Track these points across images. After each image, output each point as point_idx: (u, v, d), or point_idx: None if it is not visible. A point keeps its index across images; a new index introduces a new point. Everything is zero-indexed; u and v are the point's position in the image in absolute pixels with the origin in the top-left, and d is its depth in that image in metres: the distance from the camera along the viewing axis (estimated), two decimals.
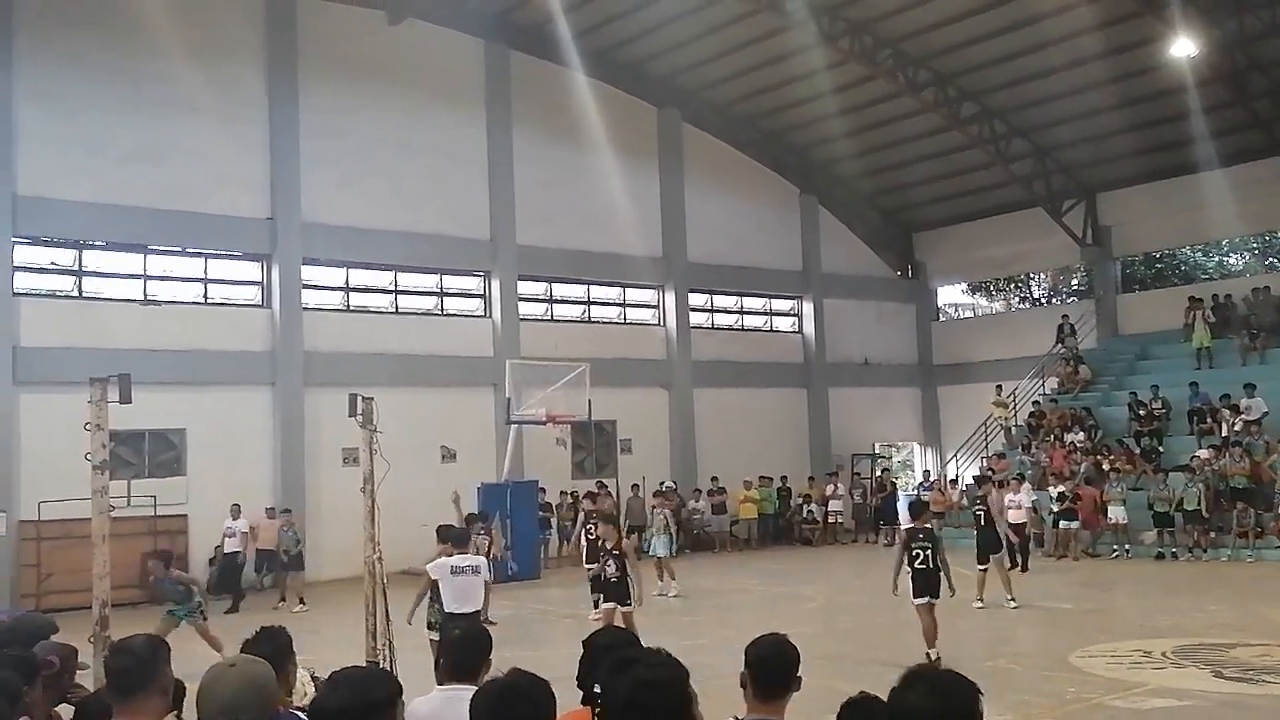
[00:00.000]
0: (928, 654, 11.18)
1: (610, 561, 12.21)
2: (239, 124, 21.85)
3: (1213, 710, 9.29)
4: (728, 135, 29.17)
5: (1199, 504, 19.97)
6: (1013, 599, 15.32)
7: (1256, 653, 11.33)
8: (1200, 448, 21.64)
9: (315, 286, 22.98)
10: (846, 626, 14.66)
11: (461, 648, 4.29)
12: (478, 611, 10.19)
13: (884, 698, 2.75)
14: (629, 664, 3.09)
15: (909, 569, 11.71)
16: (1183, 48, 21.46)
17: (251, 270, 22.48)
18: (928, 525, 12.29)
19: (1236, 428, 21.51)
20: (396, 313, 24.12)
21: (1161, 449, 22.79)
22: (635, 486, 24.82)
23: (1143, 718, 9.08)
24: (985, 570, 15.65)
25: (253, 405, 21.58)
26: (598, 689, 3.50)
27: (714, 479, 26.13)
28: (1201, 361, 24.94)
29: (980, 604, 15.28)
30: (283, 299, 22.02)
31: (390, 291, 24.23)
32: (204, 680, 2.99)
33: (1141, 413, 24.00)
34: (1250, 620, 13.61)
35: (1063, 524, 21.17)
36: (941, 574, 11.67)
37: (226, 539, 19.04)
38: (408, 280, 24.40)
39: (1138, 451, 22.80)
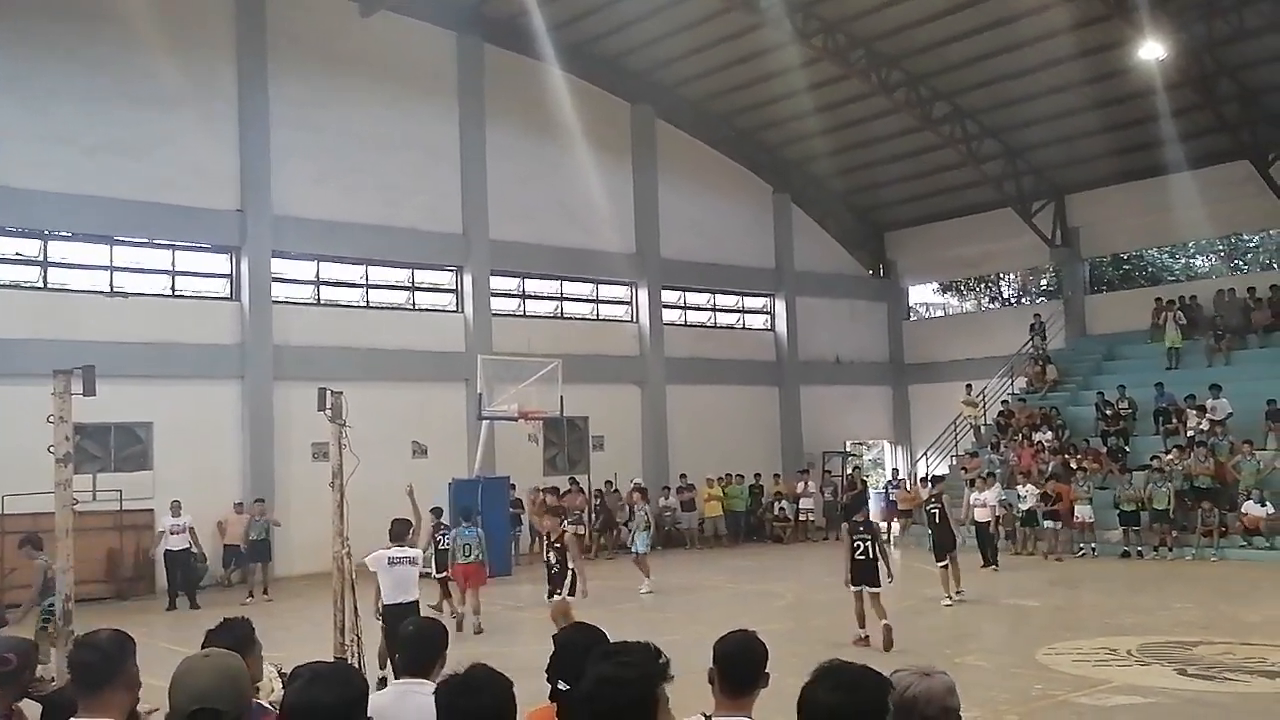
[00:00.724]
0: (859, 633, 12.34)
1: (550, 553, 12.63)
2: (209, 116, 21.62)
3: (1176, 707, 9.40)
4: (702, 132, 29.19)
5: (1168, 503, 20.22)
6: (958, 594, 15.59)
7: (1220, 650, 11.48)
8: (1165, 448, 21.91)
9: (285, 280, 22.79)
10: (817, 624, 14.70)
11: (416, 643, 4.23)
12: (415, 601, 10.27)
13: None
14: (602, 659, 3.06)
15: (850, 559, 12.54)
16: (1151, 51, 21.68)
17: (220, 263, 22.26)
18: (868, 519, 13.22)
19: (1203, 428, 21.78)
20: (368, 307, 23.96)
21: (1128, 449, 23.05)
22: (608, 483, 24.84)
23: (1108, 715, 9.17)
24: (945, 567, 15.78)
25: (221, 399, 21.38)
26: (562, 685, 3.49)
27: (683, 476, 26.16)
28: (1171, 362, 25.24)
29: (949, 602, 15.39)
30: (252, 292, 21.82)
31: (361, 285, 24.06)
32: (177, 671, 2.97)
33: (1108, 412, 24.27)
34: (1214, 618, 13.79)
35: (1047, 523, 21.25)
36: (880, 563, 12.45)
37: (172, 535, 18.10)
38: (379, 274, 24.24)
39: (1104, 451, 23.05)
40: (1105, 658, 11.43)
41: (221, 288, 22.22)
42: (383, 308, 24.15)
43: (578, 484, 24.62)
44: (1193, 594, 15.93)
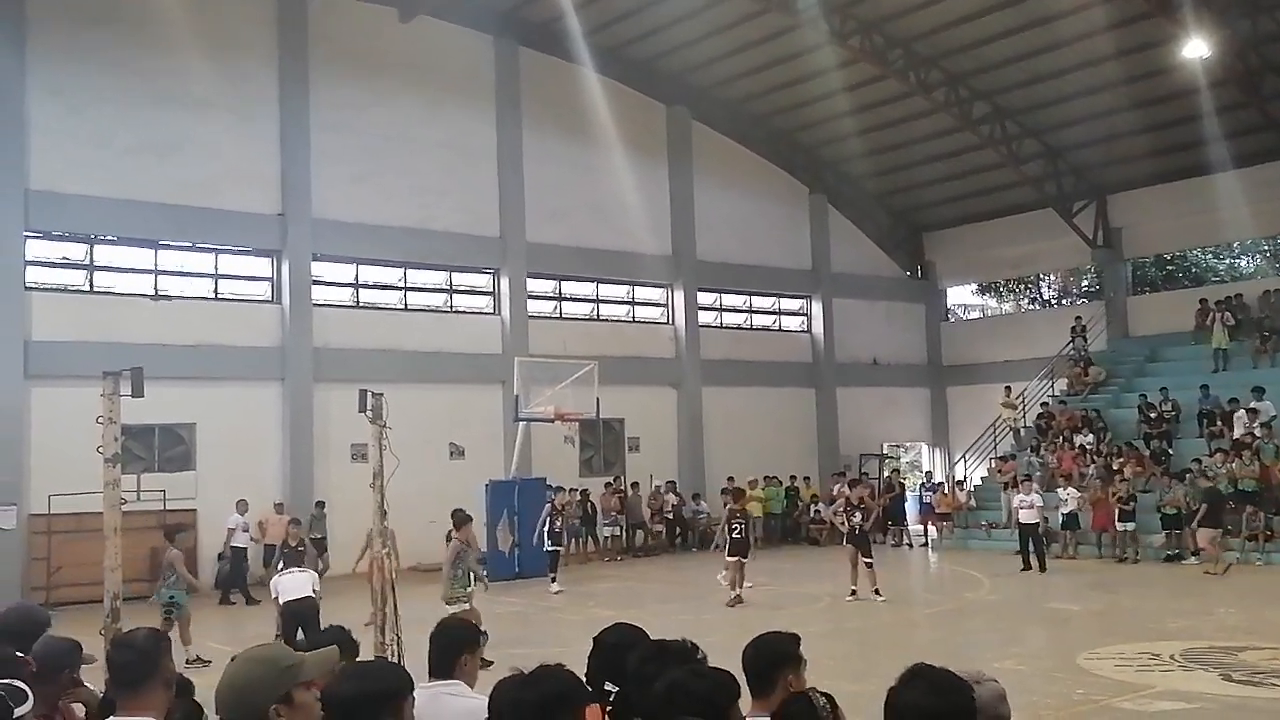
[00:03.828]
0: (737, 594, 16.14)
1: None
2: (250, 120, 21.90)
3: (1220, 713, 9.27)
4: (737, 133, 29.15)
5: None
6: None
7: (1265, 656, 11.28)
8: (1210, 450, 21.57)
9: (325, 282, 23.03)
10: (854, 625, 14.65)
11: (438, 643, 4.10)
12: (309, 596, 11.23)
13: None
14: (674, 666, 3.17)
15: (728, 537, 16.81)
16: (1195, 49, 21.37)
17: (262, 266, 22.54)
18: (744, 508, 17.78)
19: (1256, 431, 21.36)
20: (406, 309, 24.15)
21: (1171, 451, 22.71)
22: (635, 485, 24.97)
23: None
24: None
25: (262, 400, 21.64)
26: (610, 686, 3.50)
27: (730, 479, 26.08)
28: (1219, 363, 24.83)
29: (880, 597, 16.12)
30: (293, 295, 22.08)
31: (400, 288, 24.27)
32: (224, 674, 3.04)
33: (1151, 415, 23.93)
34: (1258, 624, 13.56)
35: (1121, 526, 20.66)
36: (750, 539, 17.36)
37: (241, 532, 19.23)
38: (417, 277, 24.43)
39: (1147, 454, 22.73)
40: (1148, 663, 11.28)
41: (263, 291, 22.50)
42: (421, 310, 24.34)
43: (612, 485, 24.66)
44: (1237, 599, 15.66)
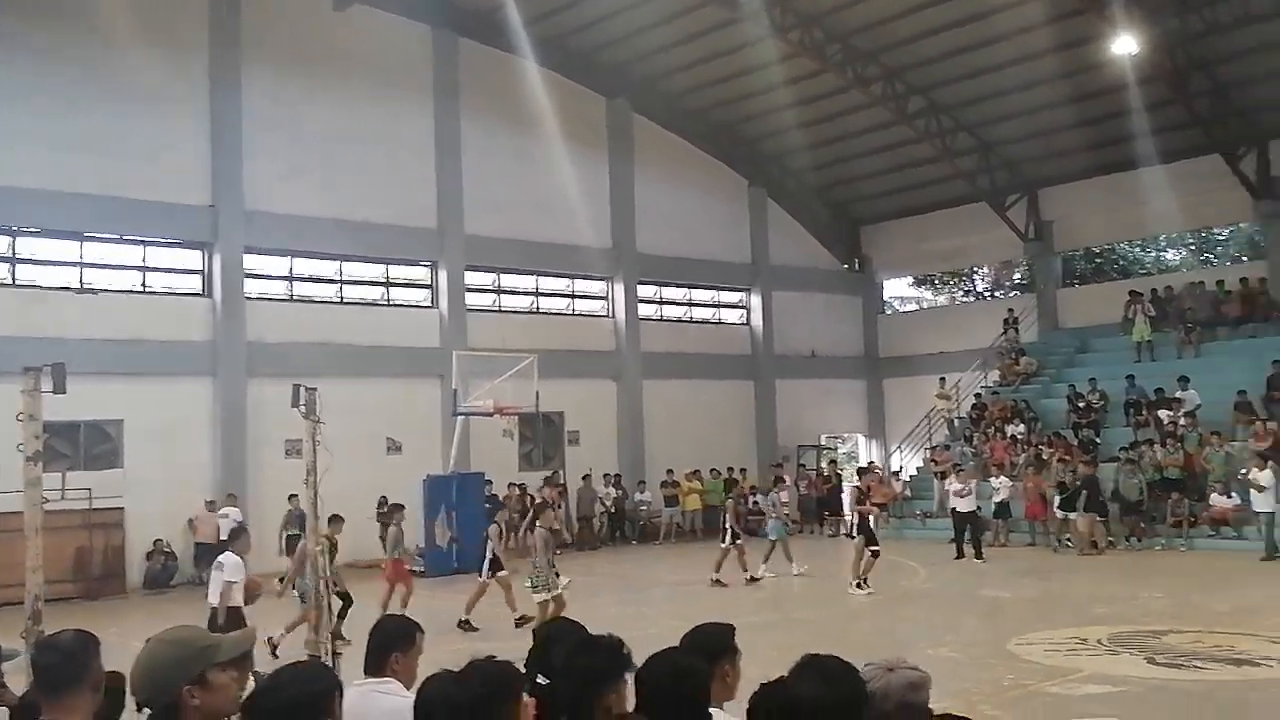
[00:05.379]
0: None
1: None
2: (180, 110, 21.44)
3: (1145, 695, 9.52)
4: (678, 127, 29.19)
5: (1139, 494, 20.45)
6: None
7: (1187, 639, 11.63)
8: (1135, 439, 22.15)
9: (258, 275, 22.63)
10: (797, 616, 14.80)
11: (371, 641, 4.09)
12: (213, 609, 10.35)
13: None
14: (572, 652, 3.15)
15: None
16: (1124, 45, 21.84)
17: (192, 258, 22.08)
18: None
19: (1180, 421, 21.96)
20: (342, 303, 23.84)
21: (1099, 440, 23.28)
22: (585, 477, 24.97)
23: (1078, 704, 9.27)
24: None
25: (193, 396, 21.21)
26: (541, 679, 3.49)
27: (669, 472, 26.20)
28: (1141, 354, 25.49)
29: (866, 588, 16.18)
30: (224, 288, 21.66)
31: (336, 281, 23.94)
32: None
33: (1080, 405, 24.49)
34: (1182, 608, 13.96)
35: (1066, 514, 20.66)
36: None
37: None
38: (354, 270, 24.11)
39: (1075, 443, 23.26)
40: (1076, 647, 11.55)
41: (194, 284, 22.04)
42: (357, 304, 24.04)
43: (551, 479, 24.60)
44: (1162, 584, 16.14)
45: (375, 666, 4.02)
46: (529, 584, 13.00)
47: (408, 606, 14.32)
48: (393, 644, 4.06)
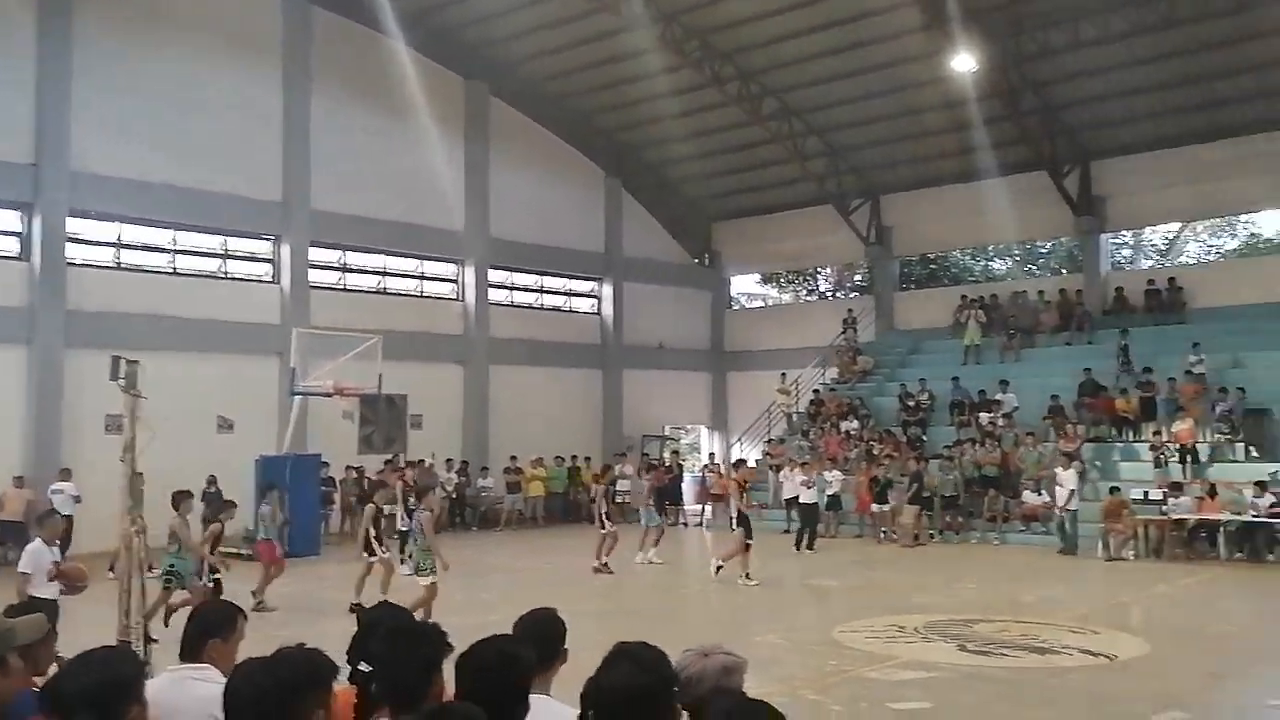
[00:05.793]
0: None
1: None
2: (2, 63, 19.98)
3: (955, 681, 10.08)
4: (536, 113, 29.01)
5: (955, 490, 21.61)
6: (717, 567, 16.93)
7: (996, 628, 12.37)
8: (958, 438, 23.36)
9: (83, 240, 21.37)
10: (632, 604, 14.98)
11: (188, 626, 3.98)
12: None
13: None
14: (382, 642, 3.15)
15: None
16: (964, 63, 22.93)
17: (9, 219, 20.66)
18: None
19: (999, 422, 23.27)
20: (175, 273, 22.75)
21: (925, 438, 24.44)
22: (422, 461, 24.53)
23: (894, 689, 9.73)
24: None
25: (4, 365, 19.88)
26: (364, 666, 3.45)
27: (513, 458, 26.05)
28: (969, 357, 26.86)
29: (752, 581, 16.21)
30: (44, 252, 20.37)
31: (169, 250, 22.82)
32: None
33: (910, 404, 25.64)
34: (993, 598, 14.83)
35: (881, 507, 21.93)
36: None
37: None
38: (189, 239, 23.04)
39: (904, 440, 24.35)
40: (895, 635, 12.12)
41: (10, 246, 20.64)
42: (192, 275, 22.97)
43: (392, 463, 24.06)
44: (975, 575, 17.10)
45: (192, 652, 3.91)
46: (408, 569, 12.77)
47: (264, 589, 14.07)
48: (212, 629, 3.96)
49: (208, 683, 3.79)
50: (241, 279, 23.80)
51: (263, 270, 24.13)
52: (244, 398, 22.52)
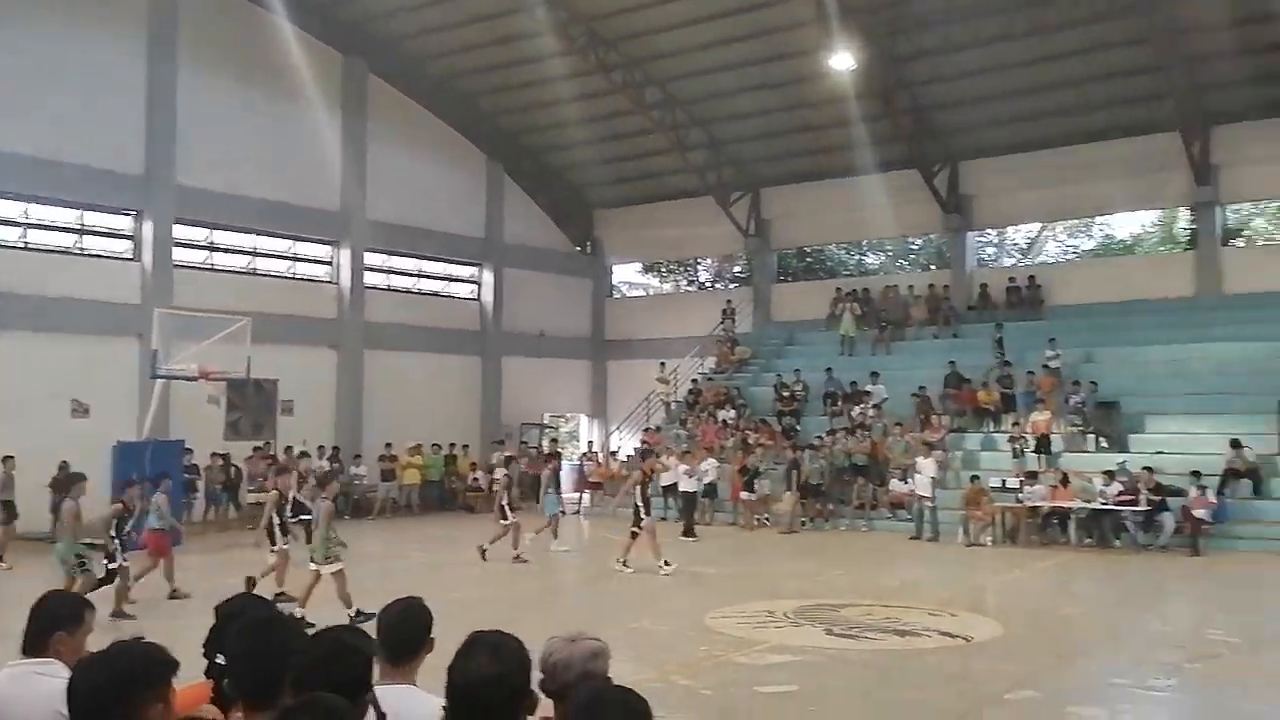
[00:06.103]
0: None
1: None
2: None
3: (822, 664, 10.36)
4: (417, 93, 28.47)
5: (821, 478, 22.20)
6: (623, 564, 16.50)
7: (861, 612, 12.75)
8: (831, 428, 23.98)
9: None
10: (507, 591, 14.90)
11: (31, 619, 3.81)
12: None
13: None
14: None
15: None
16: (843, 61, 23.45)
17: None
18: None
19: (869, 412, 23.96)
20: (26, 248, 21.54)
21: (799, 427, 25.00)
22: (289, 448, 23.87)
23: (763, 673, 9.93)
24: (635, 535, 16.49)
25: None
26: (220, 659, 3.35)
27: (388, 445, 25.56)
28: (844, 349, 27.55)
29: (629, 569, 16.16)
30: None
31: (20, 224, 21.60)
32: None
33: (785, 394, 26.18)
34: (859, 583, 15.30)
35: (750, 495, 22.44)
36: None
37: None
38: (42, 213, 21.85)
39: (779, 429, 24.86)
40: (764, 620, 12.37)
41: None
42: (44, 250, 21.80)
43: (262, 450, 23.39)
44: (844, 561, 17.61)
45: (36, 646, 3.74)
46: (311, 558, 12.34)
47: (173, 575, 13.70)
48: (57, 623, 3.79)
49: (53, 678, 3.62)
50: (99, 255, 22.71)
51: (123, 247, 23.06)
52: (101, 381, 21.50)
